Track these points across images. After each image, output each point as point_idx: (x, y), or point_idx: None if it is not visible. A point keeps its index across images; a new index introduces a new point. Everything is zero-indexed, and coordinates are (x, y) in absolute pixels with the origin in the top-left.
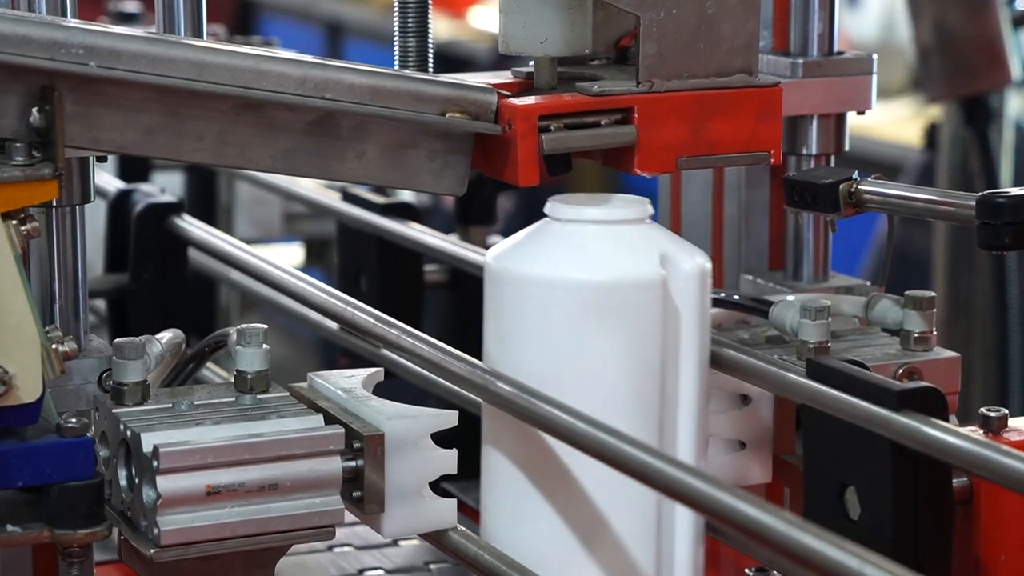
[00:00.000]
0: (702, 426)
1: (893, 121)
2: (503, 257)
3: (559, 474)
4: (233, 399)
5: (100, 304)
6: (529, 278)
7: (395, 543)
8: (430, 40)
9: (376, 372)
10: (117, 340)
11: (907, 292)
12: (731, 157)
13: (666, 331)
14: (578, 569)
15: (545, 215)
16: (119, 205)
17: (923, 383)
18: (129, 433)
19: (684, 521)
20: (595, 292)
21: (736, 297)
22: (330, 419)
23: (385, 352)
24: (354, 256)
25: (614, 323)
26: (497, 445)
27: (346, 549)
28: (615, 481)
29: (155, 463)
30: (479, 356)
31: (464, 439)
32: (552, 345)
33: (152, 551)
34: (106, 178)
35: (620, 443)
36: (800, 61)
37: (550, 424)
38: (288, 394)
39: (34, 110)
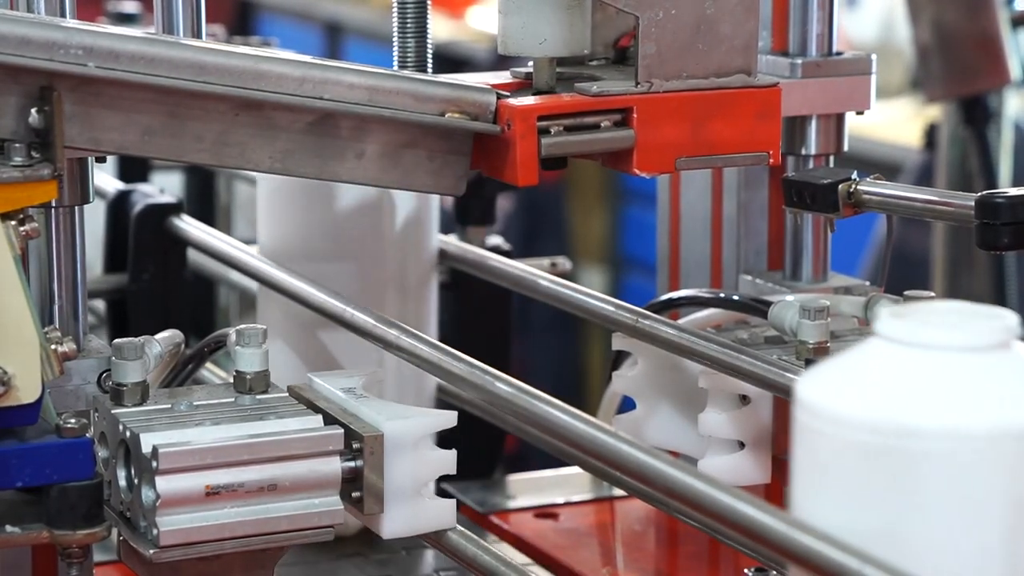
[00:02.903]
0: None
1: (892, 121)
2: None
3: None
4: (232, 399)
5: (99, 304)
6: None
7: (405, 552)
8: (429, 40)
9: (375, 373)
10: (116, 341)
11: (906, 292)
12: (730, 157)
13: None
14: None
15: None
16: (118, 206)
17: None
18: (128, 433)
19: None
20: None
21: (735, 297)
22: (329, 419)
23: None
24: None
25: None
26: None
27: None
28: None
29: (154, 463)
30: (478, 356)
31: (464, 439)
32: None
33: (151, 552)
34: (105, 179)
35: (620, 444)
36: (799, 61)
37: (549, 424)
38: (287, 394)
39: (33, 111)
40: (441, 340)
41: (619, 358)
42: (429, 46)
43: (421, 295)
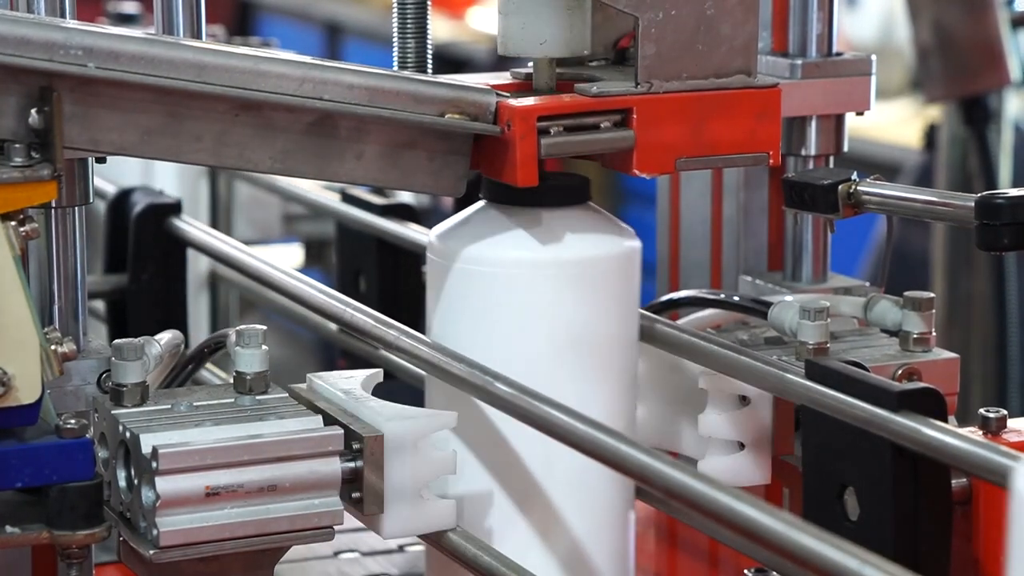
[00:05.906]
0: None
1: (892, 122)
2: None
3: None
4: (232, 400)
5: (99, 305)
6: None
7: (401, 549)
8: (429, 41)
9: (375, 373)
10: (116, 341)
11: (906, 293)
12: (730, 158)
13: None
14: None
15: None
16: (118, 206)
17: (922, 384)
18: (128, 434)
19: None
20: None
21: (735, 298)
22: (329, 420)
23: (384, 353)
24: (353, 257)
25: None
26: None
27: (352, 555)
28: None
29: (154, 464)
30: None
31: None
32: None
33: (151, 552)
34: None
35: (619, 443)
36: (799, 62)
37: (548, 424)
38: (287, 395)
39: (33, 111)
40: None
41: None
42: (429, 47)
43: None
